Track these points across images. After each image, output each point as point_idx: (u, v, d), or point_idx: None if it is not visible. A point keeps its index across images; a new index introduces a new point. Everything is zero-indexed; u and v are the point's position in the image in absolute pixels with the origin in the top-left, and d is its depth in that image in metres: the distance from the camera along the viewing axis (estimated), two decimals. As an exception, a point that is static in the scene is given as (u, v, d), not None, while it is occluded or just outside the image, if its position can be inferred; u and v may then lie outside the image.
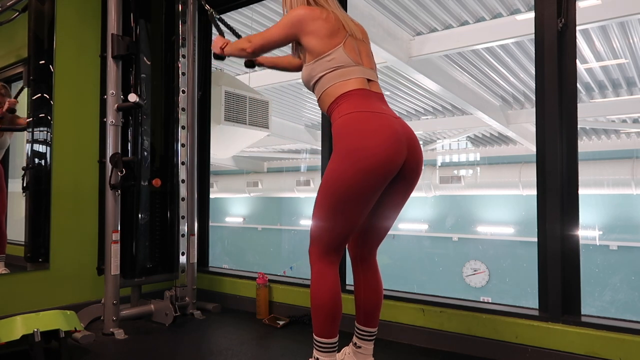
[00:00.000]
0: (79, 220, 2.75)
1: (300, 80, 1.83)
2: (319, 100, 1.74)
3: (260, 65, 2.16)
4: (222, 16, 4.06)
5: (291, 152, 10.87)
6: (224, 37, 2.20)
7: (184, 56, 2.82)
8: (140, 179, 2.59)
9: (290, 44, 1.84)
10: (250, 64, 2.18)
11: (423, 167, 1.70)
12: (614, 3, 3.74)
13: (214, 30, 2.65)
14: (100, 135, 2.78)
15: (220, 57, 2.13)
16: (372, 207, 1.62)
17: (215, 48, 2.10)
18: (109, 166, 2.42)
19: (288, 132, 8.59)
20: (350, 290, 1.81)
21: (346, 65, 1.65)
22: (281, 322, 2.56)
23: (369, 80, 1.68)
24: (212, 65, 3.37)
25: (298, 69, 2.02)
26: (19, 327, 1.92)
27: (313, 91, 1.76)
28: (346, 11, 2.70)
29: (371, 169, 1.50)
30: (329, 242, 1.60)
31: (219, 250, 12.32)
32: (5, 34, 2.61)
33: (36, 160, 2.64)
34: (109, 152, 2.44)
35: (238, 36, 2.37)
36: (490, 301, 4.12)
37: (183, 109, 2.82)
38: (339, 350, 1.70)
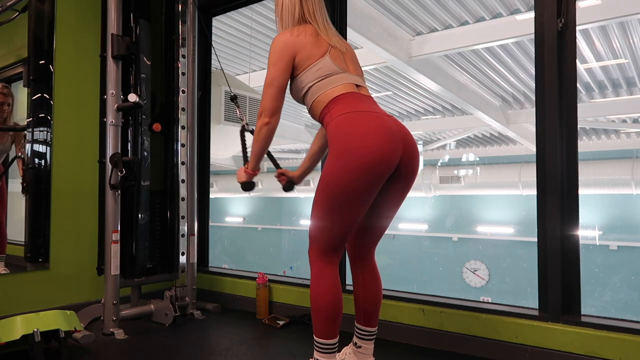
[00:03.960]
0: (79, 220, 2.75)
1: None
2: (310, 109, 1.74)
3: (301, 178, 2.04)
4: (222, 16, 4.07)
5: (291, 152, 10.87)
6: (245, 164, 1.92)
7: (184, 56, 2.82)
8: (140, 179, 2.58)
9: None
10: (290, 187, 2.00)
11: (423, 167, 1.69)
12: (614, 3, 3.74)
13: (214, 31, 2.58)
14: (100, 135, 2.78)
15: (250, 183, 1.89)
16: (369, 206, 1.62)
17: (240, 178, 1.89)
18: (109, 166, 2.42)
19: (288, 132, 8.59)
20: (350, 291, 1.81)
21: (333, 73, 1.67)
22: (281, 322, 2.56)
23: (357, 85, 1.70)
24: (212, 65, 3.37)
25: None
26: (19, 327, 1.92)
27: (303, 102, 1.76)
28: (346, 12, 2.69)
29: (367, 167, 1.51)
30: (327, 242, 1.61)
31: (219, 250, 12.31)
32: (5, 34, 2.61)
33: (36, 160, 2.64)
34: (109, 152, 2.43)
35: (277, 165, 2.18)
36: (490, 301, 4.12)
37: (183, 109, 2.82)
38: (339, 350, 1.70)
